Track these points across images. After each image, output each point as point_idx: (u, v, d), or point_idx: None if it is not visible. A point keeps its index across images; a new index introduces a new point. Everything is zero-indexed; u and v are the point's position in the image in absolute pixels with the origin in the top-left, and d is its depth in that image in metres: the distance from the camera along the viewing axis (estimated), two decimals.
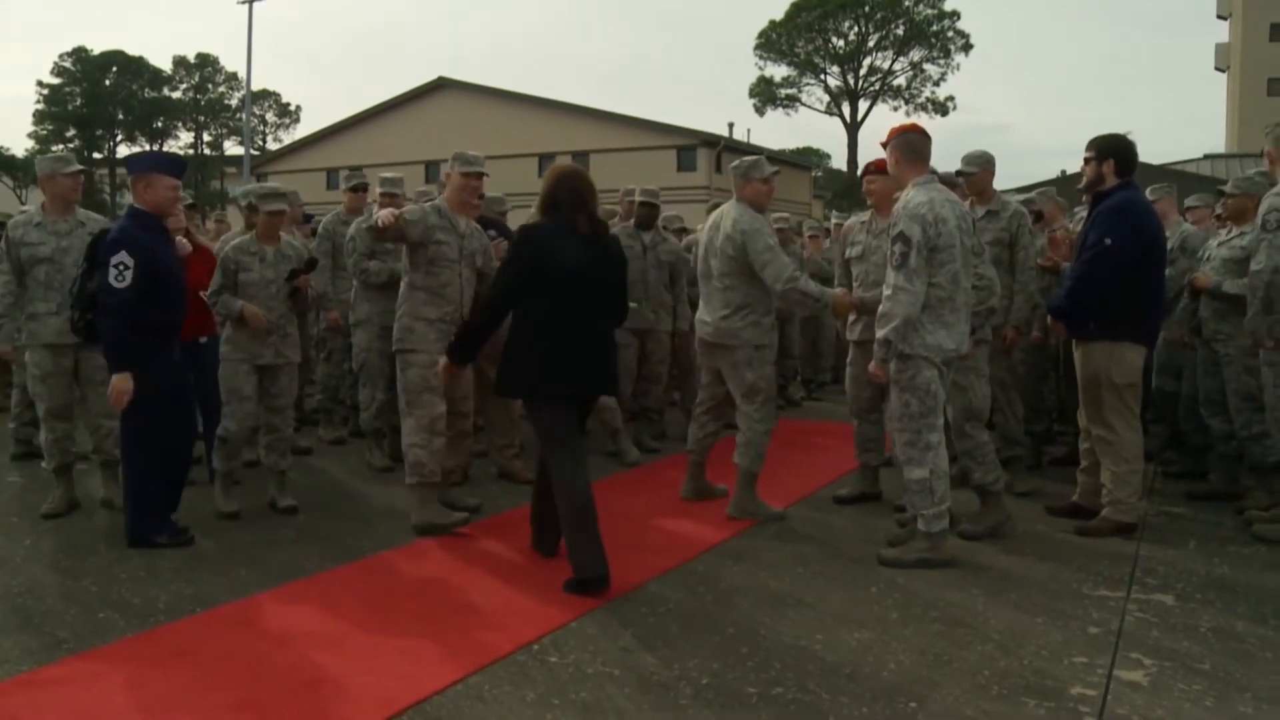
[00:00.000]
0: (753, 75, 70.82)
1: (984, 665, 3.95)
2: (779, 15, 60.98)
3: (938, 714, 3.53)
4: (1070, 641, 4.21)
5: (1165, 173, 22.43)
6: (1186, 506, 6.54)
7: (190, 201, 7.67)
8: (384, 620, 4.42)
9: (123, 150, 70.56)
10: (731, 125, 51.79)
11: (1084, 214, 6.47)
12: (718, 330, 6.06)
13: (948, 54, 60.08)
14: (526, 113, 43.64)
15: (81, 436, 6.93)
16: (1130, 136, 5.89)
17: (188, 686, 3.73)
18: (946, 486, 5.21)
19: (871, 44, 60.41)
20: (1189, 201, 8.15)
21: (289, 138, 68.95)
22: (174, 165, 5.66)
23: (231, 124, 72.92)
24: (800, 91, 62.33)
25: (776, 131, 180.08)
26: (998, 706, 3.59)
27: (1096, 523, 5.83)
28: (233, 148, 70.18)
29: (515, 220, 6.82)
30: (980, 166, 6.59)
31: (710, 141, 42.97)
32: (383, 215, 5.63)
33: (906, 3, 59.10)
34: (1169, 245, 7.17)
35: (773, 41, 61.62)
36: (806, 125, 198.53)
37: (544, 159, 41.64)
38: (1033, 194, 7.76)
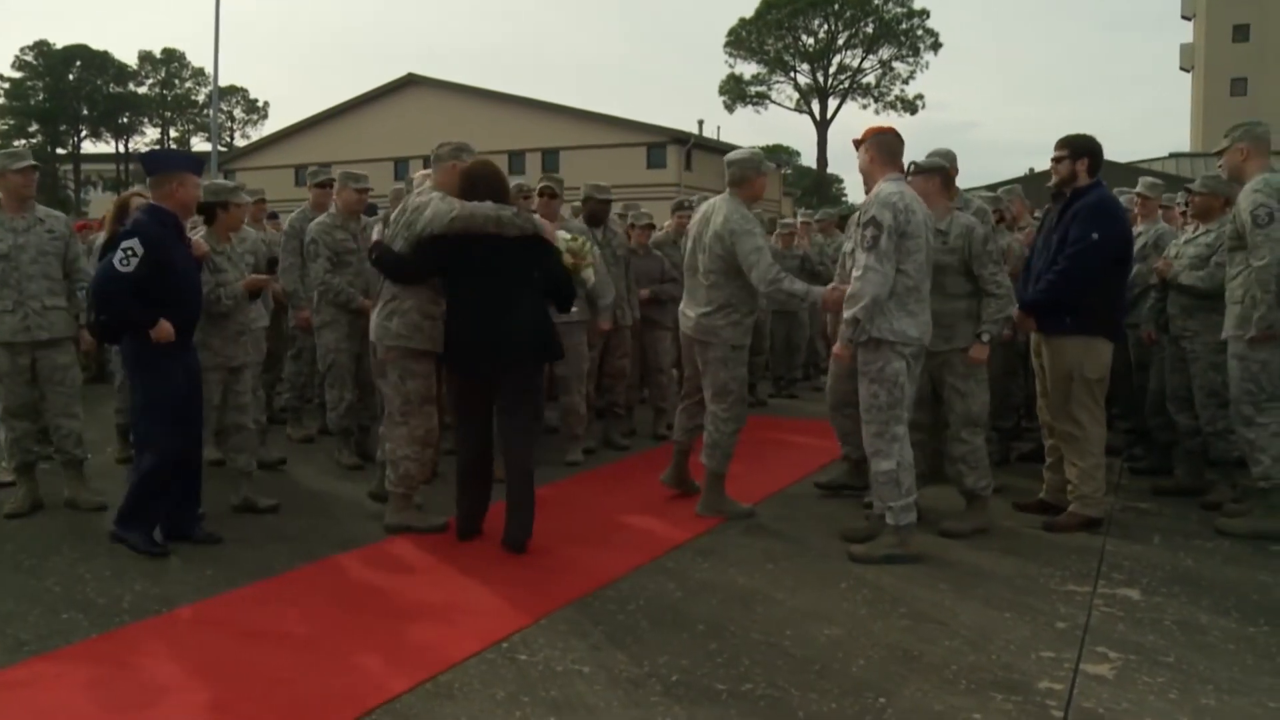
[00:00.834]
0: (722, 73, 70.84)
1: (952, 660, 3.97)
2: (749, 13, 61.15)
3: (906, 709, 3.56)
4: (1037, 636, 4.24)
5: (1132, 170, 22.61)
6: (1152, 502, 6.61)
7: None
8: (353, 619, 4.40)
9: (87, 146, 69.91)
10: (701, 122, 51.95)
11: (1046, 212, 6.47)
12: (698, 326, 6.04)
13: (917, 52, 60.39)
14: (496, 110, 43.55)
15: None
16: (1094, 136, 5.96)
17: (153, 687, 3.70)
18: (913, 479, 5.25)
19: (841, 42, 60.58)
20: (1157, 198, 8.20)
21: (257, 134, 68.43)
22: (199, 165, 5.66)
23: (198, 120, 72.23)
24: (770, 89, 62.50)
25: (746, 129, 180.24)
26: (965, 701, 3.61)
27: (1063, 518, 5.88)
28: (200, 144, 69.61)
29: None
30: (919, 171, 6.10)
31: (680, 139, 43.06)
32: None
33: (876, 1, 59.31)
34: (1144, 240, 7.31)
35: (742, 39, 61.70)
36: (776, 123, 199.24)
37: (514, 156, 41.60)
38: (999, 192, 7.81)
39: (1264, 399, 5.62)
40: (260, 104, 75.84)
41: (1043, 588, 4.87)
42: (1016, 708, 3.56)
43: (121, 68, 70.03)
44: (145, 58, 72.07)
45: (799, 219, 12.89)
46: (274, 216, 10.49)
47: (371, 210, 8.10)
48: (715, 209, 6.04)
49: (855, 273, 5.20)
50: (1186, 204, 7.51)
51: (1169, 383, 6.71)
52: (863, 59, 60.76)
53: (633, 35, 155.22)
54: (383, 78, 53.22)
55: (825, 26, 60.30)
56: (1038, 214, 8.39)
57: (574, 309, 6.14)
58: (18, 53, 68.10)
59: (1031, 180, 8.86)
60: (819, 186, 60.77)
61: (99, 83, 68.87)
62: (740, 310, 5.99)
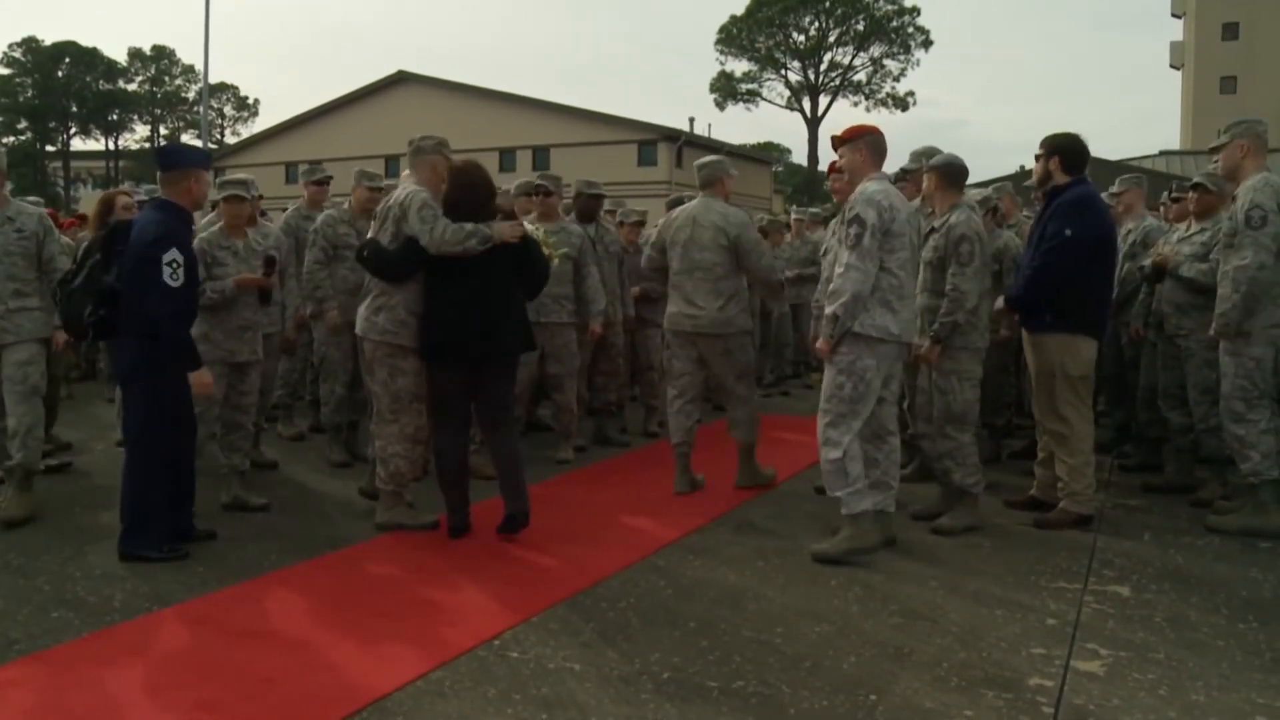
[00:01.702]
0: (713, 70, 70.70)
1: (943, 657, 3.98)
2: (740, 10, 61.22)
3: (897, 706, 3.56)
4: (1028, 633, 4.25)
5: (1122, 168, 22.66)
6: (1142, 499, 6.62)
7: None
8: (343, 617, 4.40)
9: (77, 144, 69.65)
10: (692, 120, 51.96)
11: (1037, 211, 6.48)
12: (714, 320, 6.39)
13: (908, 50, 60.55)
14: (487, 107, 43.48)
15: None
16: (1081, 134, 5.97)
17: (145, 685, 3.70)
18: (860, 468, 5.20)
19: (832, 39, 60.68)
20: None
21: (247, 131, 68.18)
22: (208, 161, 5.60)
23: (189, 117, 72.05)
24: (761, 86, 62.60)
25: (737, 126, 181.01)
26: (956, 698, 3.62)
27: (1054, 515, 5.90)
28: (190, 141, 69.24)
29: None
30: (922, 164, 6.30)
31: (671, 136, 43.02)
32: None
33: None
34: (1132, 239, 7.30)
35: (733, 36, 61.76)
36: (767, 120, 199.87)
37: (504, 154, 41.54)
38: (989, 190, 7.82)
39: (1255, 396, 5.64)
40: (250, 101, 75.88)
41: (1034, 584, 4.88)
42: (1007, 705, 3.57)
43: (111, 64, 69.87)
44: (135, 54, 71.99)
45: (793, 216, 12.95)
46: (263, 215, 10.45)
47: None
48: (705, 209, 6.42)
49: (838, 270, 5.22)
50: (1174, 201, 7.53)
51: (1161, 379, 6.72)
52: (854, 56, 60.99)
53: (624, 32, 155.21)
54: (373, 75, 53.06)
55: (816, 24, 60.42)
56: (1027, 212, 8.43)
57: (568, 308, 6.27)
58: (6, 49, 67.94)
59: (1022, 178, 8.85)
60: (810, 184, 60.79)
61: (88, 79, 68.71)
62: (742, 299, 6.52)
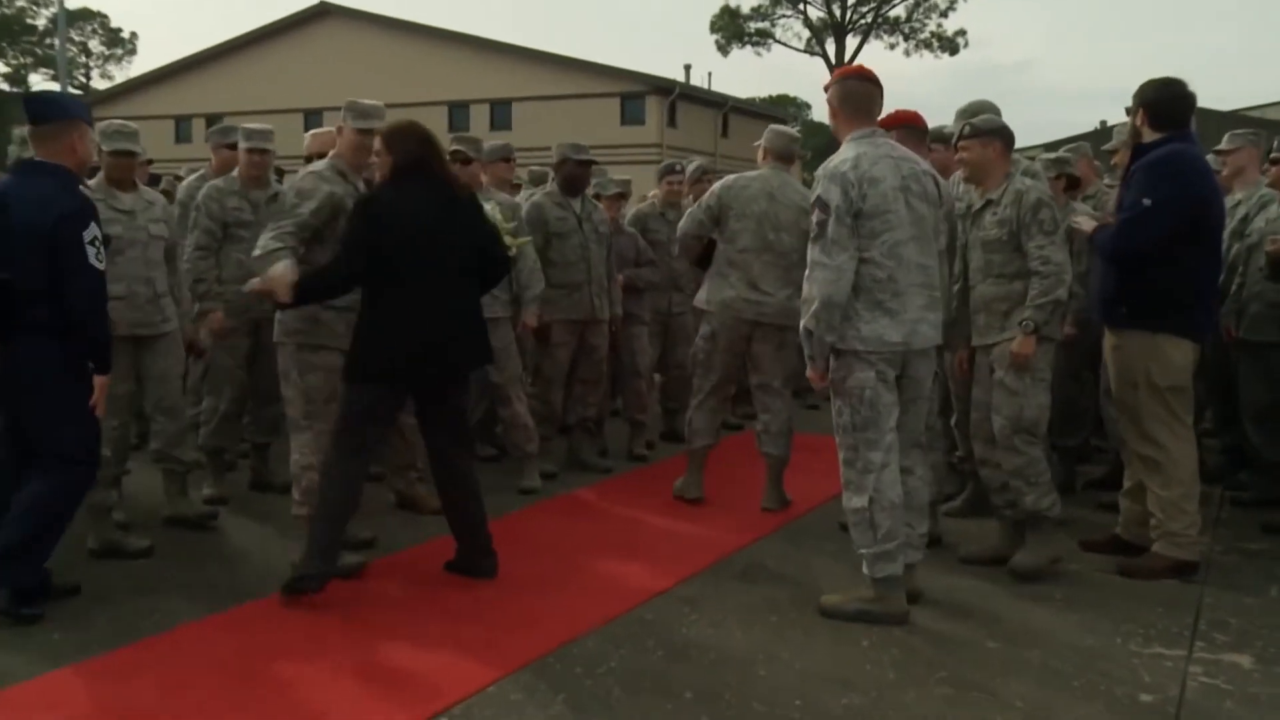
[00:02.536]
0: (715, 5, 70.77)
1: None
2: None
3: None
4: (1114, 713, 4.24)
5: (1239, 120, 22.53)
6: (1263, 541, 6.58)
7: None
8: (249, 692, 4.36)
9: None
10: (688, 68, 51.64)
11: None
12: (781, 310, 6.82)
13: None
14: (432, 51, 43.62)
15: None
16: (1182, 80, 5.87)
17: None
18: (894, 522, 5.10)
19: None
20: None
21: (122, 75, 67.83)
22: (90, 114, 5.55)
23: (39, 52, 70.56)
24: (774, 25, 62.59)
25: (744, 75, 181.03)
26: None
27: (1145, 560, 5.87)
28: (42, 82, 67.90)
29: None
30: (978, 133, 6.01)
31: (663, 88, 43.17)
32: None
33: None
34: (1244, 211, 7.19)
35: None
36: (781, 67, 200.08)
37: (455, 109, 41.65)
38: (1062, 151, 7.76)
39: None
40: (126, 35, 75.03)
41: (1120, 650, 4.87)
42: None
43: None
44: None
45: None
46: (156, 180, 10.42)
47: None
48: (783, 184, 6.91)
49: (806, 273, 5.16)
50: (1273, 164, 7.47)
51: (1242, 395, 6.67)
52: None
53: None
54: (290, 7, 53.12)
55: None
56: (1109, 181, 8.38)
57: (502, 299, 6.41)
58: None
59: (1104, 136, 8.77)
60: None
61: None
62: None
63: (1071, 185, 7.47)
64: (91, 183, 5.95)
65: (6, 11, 70.82)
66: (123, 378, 6.12)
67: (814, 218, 5.07)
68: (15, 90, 67.60)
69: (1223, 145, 7.60)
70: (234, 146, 8.02)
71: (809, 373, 5.25)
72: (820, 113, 68.55)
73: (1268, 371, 6.63)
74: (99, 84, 65.85)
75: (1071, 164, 7.49)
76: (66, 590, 5.41)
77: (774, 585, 5.71)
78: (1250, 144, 7.54)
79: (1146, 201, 5.65)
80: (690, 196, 9.45)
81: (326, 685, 4.38)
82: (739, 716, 4.12)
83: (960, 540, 6.17)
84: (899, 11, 61.00)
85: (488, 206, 6.03)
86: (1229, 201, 7.03)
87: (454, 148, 7.50)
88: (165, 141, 41.48)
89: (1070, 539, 6.32)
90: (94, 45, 73.33)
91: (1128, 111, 6.02)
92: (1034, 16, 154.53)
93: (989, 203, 5.84)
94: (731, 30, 62.98)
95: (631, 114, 42.96)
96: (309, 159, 6.74)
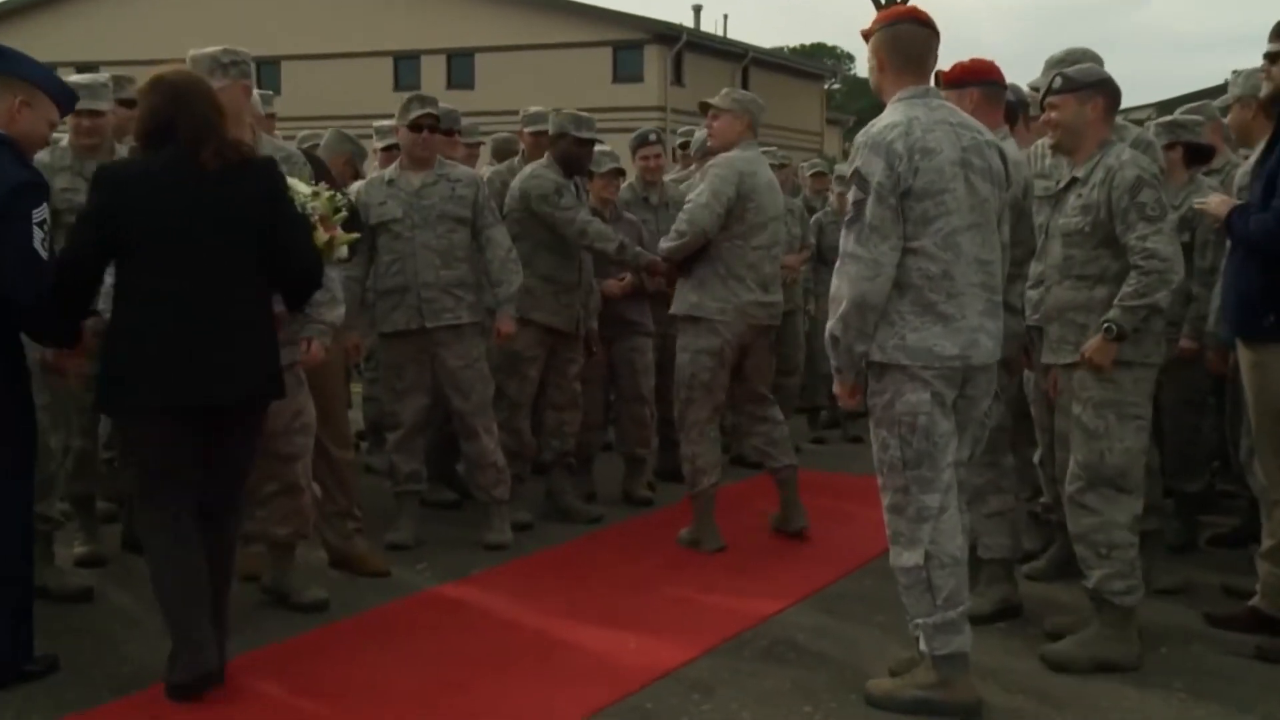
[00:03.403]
0: None
1: None
2: None
3: None
4: None
5: None
6: None
7: None
8: None
9: None
10: (698, 9, 51.77)
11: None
12: (780, 310, 7.63)
13: None
14: None
15: None
16: None
17: None
18: (958, 582, 5.01)
19: None
20: None
21: None
22: (59, 86, 5.64)
23: None
24: None
25: (768, 21, 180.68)
26: None
27: None
28: None
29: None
30: (1075, 87, 5.89)
31: (666, 36, 43.25)
32: None
33: None
34: None
35: None
36: (816, 10, 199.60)
37: (401, 60, 41.62)
38: (1180, 112, 7.63)
39: None
40: None
41: None
42: None
43: None
44: None
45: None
46: None
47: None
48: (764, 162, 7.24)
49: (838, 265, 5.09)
50: None
51: None
52: None
53: None
54: None
55: None
56: (1245, 151, 8.32)
57: (466, 300, 6.47)
58: None
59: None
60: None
61: None
62: None
63: (1196, 157, 7.31)
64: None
65: None
66: None
67: (850, 196, 5.02)
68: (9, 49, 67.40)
69: None
70: (128, 104, 7.88)
71: (836, 388, 5.21)
72: (865, 66, 68.75)
73: None
74: None
75: (1194, 129, 7.30)
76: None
77: (808, 666, 5.70)
78: None
79: None
80: (699, 176, 9.31)
81: None
82: None
83: (1045, 610, 6.14)
84: None
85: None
86: None
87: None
88: None
89: (1193, 610, 6.27)
90: None
91: (1266, 60, 5.90)
92: None
93: (1074, 180, 5.72)
94: None
95: (627, 68, 43.02)
96: None
